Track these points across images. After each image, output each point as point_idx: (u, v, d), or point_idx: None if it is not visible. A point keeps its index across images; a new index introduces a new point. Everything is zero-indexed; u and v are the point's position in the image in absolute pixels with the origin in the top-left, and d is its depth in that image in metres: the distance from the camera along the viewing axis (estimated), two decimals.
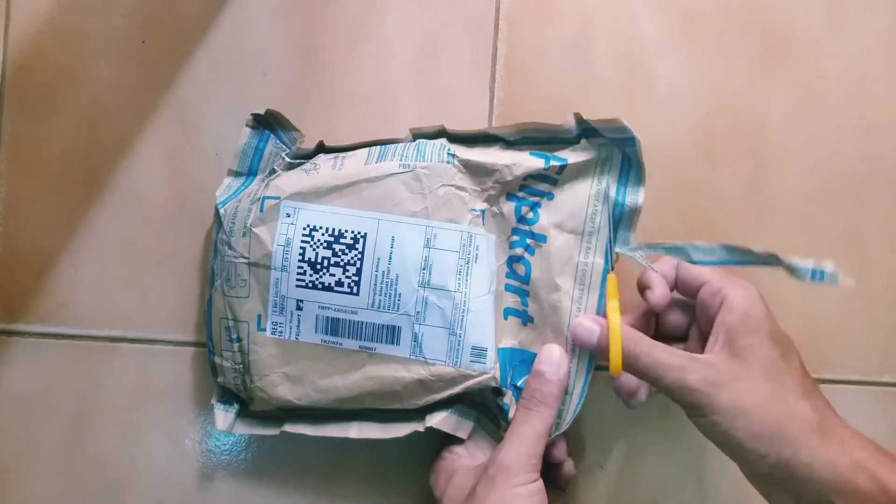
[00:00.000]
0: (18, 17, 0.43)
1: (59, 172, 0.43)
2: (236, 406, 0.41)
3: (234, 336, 0.40)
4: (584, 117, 0.38)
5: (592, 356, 0.38)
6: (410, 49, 0.44)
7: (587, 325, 0.37)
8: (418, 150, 0.39)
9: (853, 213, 0.45)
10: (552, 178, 0.39)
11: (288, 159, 0.41)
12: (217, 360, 0.41)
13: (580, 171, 0.38)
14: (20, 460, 0.43)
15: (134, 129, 0.43)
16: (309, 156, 0.41)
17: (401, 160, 0.39)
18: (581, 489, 0.44)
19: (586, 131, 0.39)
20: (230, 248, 0.39)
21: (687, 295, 0.39)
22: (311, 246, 0.38)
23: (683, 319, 0.39)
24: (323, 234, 0.38)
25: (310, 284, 0.38)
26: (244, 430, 0.41)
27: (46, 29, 0.43)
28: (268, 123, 0.41)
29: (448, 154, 0.39)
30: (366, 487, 0.44)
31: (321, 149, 0.41)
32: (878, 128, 0.45)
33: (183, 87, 0.44)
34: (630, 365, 0.35)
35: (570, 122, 0.38)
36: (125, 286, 0.43)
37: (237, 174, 0.42)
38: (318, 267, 0.38)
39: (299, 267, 0.38)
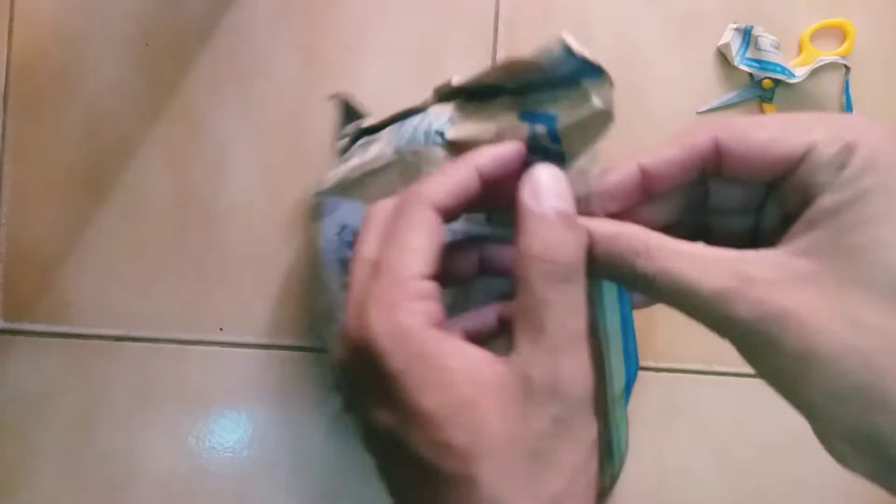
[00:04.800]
0: (22, 19, 0.44)
1: (64, 173, 0.44)
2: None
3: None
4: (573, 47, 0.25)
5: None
6: (411, 50, 0.44)
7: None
8: (414, 133, 0.35)
9: None
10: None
11: (344, 146, 0.39)
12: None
13: (581, 134, 0.26)
14: (24, 459, 0.43)
15: (137, 130, 0.44)
16: (356, 138, 0.40)
17: (396, 144, 0.35)
18: None
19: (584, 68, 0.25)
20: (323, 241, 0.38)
21: (756, 175, 0.22)
22: (343, 244, 0.37)
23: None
24: (349, 234, 0.37)
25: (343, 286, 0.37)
26: None
27: (50, 31, 0.44)
28: (347, 113, 0.40)
29: (435, 133, 0.33)
30: (369, 487, 0.44)
31: (364, 131, 0.40)
32: None
33: (186, 89, 0.44)
34: (634, 280, 0.22)
35: (555, 51, 0.25)
36: (129, 285, 0.44)
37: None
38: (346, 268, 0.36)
39: (337, 265, 0.37)
